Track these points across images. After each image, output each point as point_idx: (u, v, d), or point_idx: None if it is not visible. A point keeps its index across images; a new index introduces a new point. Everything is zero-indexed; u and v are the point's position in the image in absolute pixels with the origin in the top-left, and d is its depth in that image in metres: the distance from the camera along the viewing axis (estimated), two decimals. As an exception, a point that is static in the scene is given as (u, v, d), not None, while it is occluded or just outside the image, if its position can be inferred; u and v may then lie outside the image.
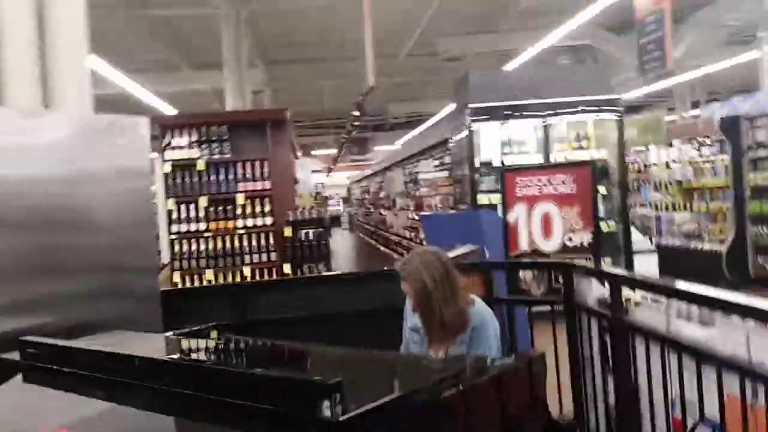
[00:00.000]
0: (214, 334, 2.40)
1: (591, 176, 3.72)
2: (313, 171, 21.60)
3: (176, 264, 6.95)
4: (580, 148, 7.37)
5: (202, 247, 6.94)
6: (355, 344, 2.33)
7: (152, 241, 3.20)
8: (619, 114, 7.38)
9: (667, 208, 9.51)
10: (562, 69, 8.56)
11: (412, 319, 2.74)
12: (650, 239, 8.24)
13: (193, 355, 2.11)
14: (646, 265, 7.29)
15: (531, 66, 11.06)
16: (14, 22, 2.80)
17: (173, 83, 14.06)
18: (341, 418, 1.35)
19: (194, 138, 6.93)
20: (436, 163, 9.16)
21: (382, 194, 15.67)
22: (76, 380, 1.85)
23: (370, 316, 3.50)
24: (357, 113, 9.83)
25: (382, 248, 14.86)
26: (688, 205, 9.07)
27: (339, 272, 6.73)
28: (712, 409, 2.21)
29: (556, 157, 7.24)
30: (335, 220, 21.58)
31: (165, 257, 7.20)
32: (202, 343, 2.28)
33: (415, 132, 19.22)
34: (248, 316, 3.45)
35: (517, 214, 3.95)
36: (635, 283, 2.70)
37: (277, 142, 7.16)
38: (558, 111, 7.16)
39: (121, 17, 10.42)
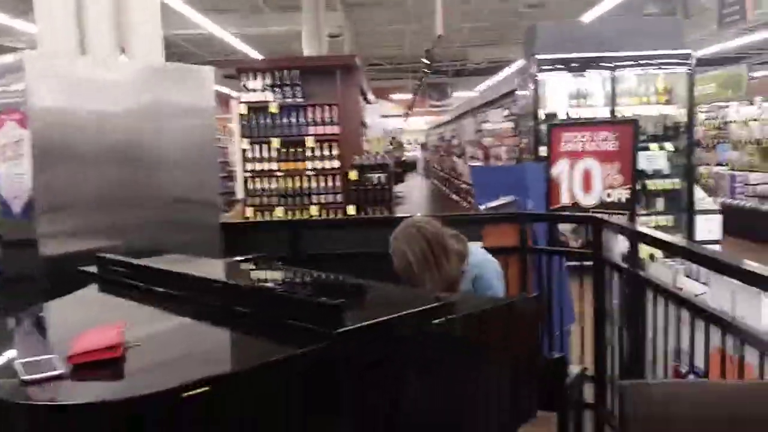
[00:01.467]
0: (261, 262, 2.74)
1: (633, 134, 3.80)
2: (389, 116, 21.75)
3: (249, 200, 7.45)
4: (648, 102, 7.30)
5: (273, 185, 7.40)
6: (396, 282, 2.62)
7: (214, 178, 3.55)
8: (690, 68, 7.22)
9: (743, 168, 9.26)
10: (634, 22, 8.32)
11: None
12: (715, 199, 8.10)
13: (235, 277, 2.47)
14: (709, 225, 7.24)
15: (610, 17, 10.77)
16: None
17: (255, 25, 14.45)
18: (337, 331, 1.66)
19: (268, 82, 7.30)
20: (505, 113, 9.22)
21: (454, 142, 15.75)
22: (140, 292, 2.24)
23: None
24: (427, 61, 9.91)
25: (453, 196, 15.05)
26: (765, 165, 8.80)
27: (389, 215, 6.99)
28: (699, 361, 2.40)
29: (624, 111, 7.21)
30: (410, 166, 21.77)
31: (240, 193, 7.72)
32: (246, 267, 2.63)
33: (492, 80, 19.02)
34: (301, 250, 3.78)
35: (561, 168, 4.09)
36: (648, 239, 2.86)
37: (346, 87, 7.45)
38: (627, 64, 7.08)
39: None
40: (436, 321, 1.91)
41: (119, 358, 1.61)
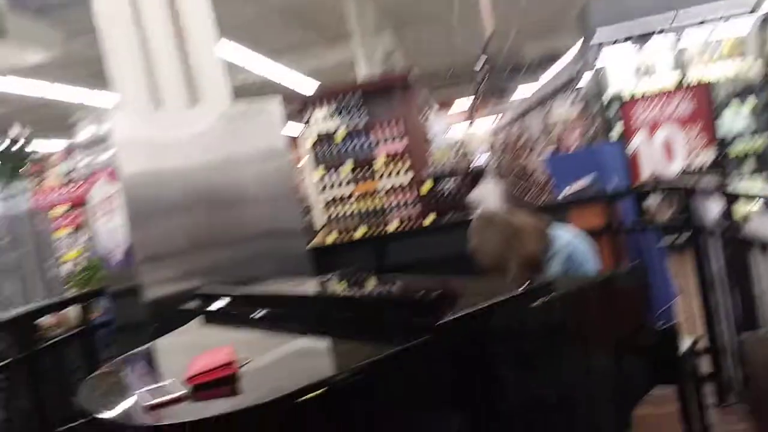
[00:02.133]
0: (352, 274, 2.79)
1: (709, 94, 3.65)
2: (450, 125, 21.68)
3: (329, 227, 7.60)
4: (719, 60, 6.91)
5: (351, 208, 7.53)
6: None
7: (295, 207, 3.65)
8: (764, 20, 6.84)
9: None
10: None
11: None
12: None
13: (329, 290, 2.53)
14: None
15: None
16: (155, 33, 3.34)
17: (310, 60, 14.81)
18: (438, 323, 1.69)
19: (332, 109, 7.47)
20: (571, 99, 9.01)
21: (522, 139, 15.53)
22: (240, 317, 2.34)
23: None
24: (484, 56, 9.89)
25: (526, 197, 14.79)
26: None
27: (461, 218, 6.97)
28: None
29: (693, 75, 6.87)
30: (478, 174, 21.50)
31: (319, 223, 7.88)
32: (338, 279, 2.69)
33: (554, 68, 18.66)
34: (387, 261, 3.82)
35: (638, 142, 3.98)
36: (741, 195, 2.74)
37: (406, 103, 7.52)
38: (690, 24, 6.73)
39: (252, 5, 11.15)
40: (534, 304, 1.90)
41: (233, 375, 1.68)
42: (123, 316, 3.28)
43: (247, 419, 1.46)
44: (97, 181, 3.06)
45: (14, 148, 3.68)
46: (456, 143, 15.26)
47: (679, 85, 5.74)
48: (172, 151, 3.15)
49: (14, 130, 3.75)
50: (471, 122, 23.83)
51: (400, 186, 7.37)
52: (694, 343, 2.67)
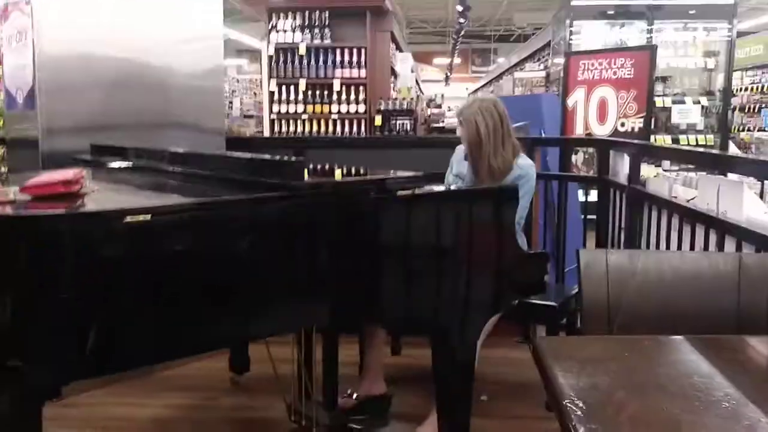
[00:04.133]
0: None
1: (650, 61, 3.66)
2: (430, 81, 21.44)
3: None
4: (686, 55, 7.04)
5: (300, 128, 7.40)
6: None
7: (220, 103, 3.55)
8: (730, 25, 6.95)
9: (787, 134, 8.89)
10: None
11: (457, 166, 2.88)
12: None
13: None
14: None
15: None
16: None
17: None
18: (292, 183, 1.66)
19: (298, 23, 7.27)
20: (540, 66, 9.02)
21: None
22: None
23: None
24: (460, 8, 9.73)
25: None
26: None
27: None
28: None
29: (660, 64, 6.96)
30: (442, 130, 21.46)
31: (266, 134, 7.75)
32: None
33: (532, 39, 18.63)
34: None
35: (576, 98, 3.98)
36: (645, 149, 2.77)
37: (376, 31, 7.36)
38: (666, 17, 6.82)
39: None
40: (401, 192, 1.89)
41: (71, 194, 1.63)
42: (16, 160, 3.18)
43: (55, 227, 1.42)
44: (13, 12, 2.92)
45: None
46: (430, 98, 15.14)
47: (626, 47, 5.77)
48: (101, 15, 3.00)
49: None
50: (447, 82, 23.69)
51: (354, 113, 7.27)
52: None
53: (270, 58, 7.36)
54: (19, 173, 2.48)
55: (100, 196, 1.72)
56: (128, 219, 1.44)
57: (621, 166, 3.25)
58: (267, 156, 1.91)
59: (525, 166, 2.72)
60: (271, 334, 2.04)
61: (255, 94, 15.60)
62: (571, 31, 7.10)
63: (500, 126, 2.65)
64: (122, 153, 2.45)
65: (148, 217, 1.46)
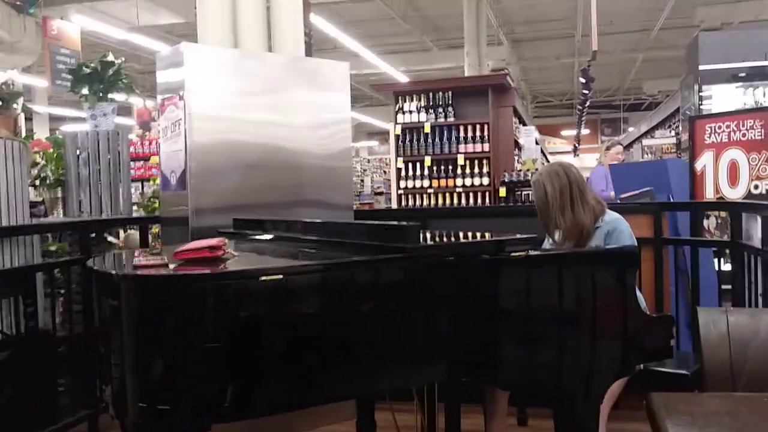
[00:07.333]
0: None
1: (782, 121, 3.50)
2: (558, 153, 21.23)
3: (403, 216, 7.73)
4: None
5: (426, 202, 7.62)
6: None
7: (349, 180, 3.75)
8: None
9: None
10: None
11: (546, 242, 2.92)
12: None
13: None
14: None
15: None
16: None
17: (422, 63, 15.09)
18: (407, 246, 1.79)
19: (422, 103, 7.62)
20: (672, 133, 8.75)
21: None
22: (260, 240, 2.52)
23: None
24: (583, 80, 9.69)
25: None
26: None
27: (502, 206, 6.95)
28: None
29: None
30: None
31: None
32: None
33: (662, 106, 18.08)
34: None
35: (705, 161, 3.87)
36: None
37: (498, 107, 7.54)
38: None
39: (377, 5, 11.54)
40: (514, 253, 1.96)
41: (215, 258, 1.85)
42: (169, 236, 3.55)
43: (203, 285, 1.62)
44: (168, 106, 3.34)
45: (109, 74, 4.05)
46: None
47: (754, 108, 5.47)
48: (241, 80, 3.33)
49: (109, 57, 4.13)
50: (575, 153, 23.33)
51: (479, 186, 7.40)
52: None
53: (397, 137, 7.71)
54: (171, 246, 2.78)
55: (240, 260, 1.93)
56: (263, 278, 1.62)
57: (755, 230, 3.10)
58: (386, 222, 2.06)
59: (611, 220, 2.72)
60: (391, 389, 2.12)
61: (384, 172, 16.33)
62: (701, 96, 6.90)
63: (568, 188, 2.69)
64: (260, 225, 2.70)
65: (281, 276, 1.64)
